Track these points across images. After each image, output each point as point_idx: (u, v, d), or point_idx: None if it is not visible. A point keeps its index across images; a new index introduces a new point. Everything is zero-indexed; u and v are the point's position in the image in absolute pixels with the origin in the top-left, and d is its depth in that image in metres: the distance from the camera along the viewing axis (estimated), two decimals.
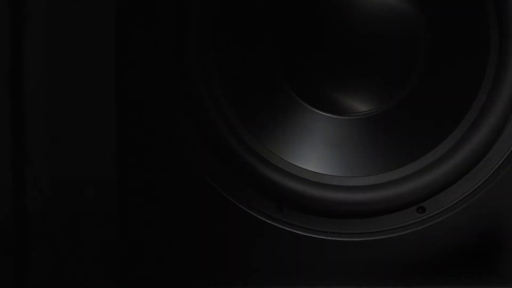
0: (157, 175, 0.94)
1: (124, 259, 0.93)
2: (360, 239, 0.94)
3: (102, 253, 0.89)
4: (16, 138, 0.84)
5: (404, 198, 0.94)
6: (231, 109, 0.95)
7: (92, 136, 0.88)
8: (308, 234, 0.94)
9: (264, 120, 0.97)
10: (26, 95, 0.84)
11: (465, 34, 0.94)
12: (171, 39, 0.93)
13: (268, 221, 0.94)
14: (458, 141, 0.94)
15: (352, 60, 0.96)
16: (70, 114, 0.87)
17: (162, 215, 0.94)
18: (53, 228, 0.86)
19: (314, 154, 0.96)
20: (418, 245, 0.94)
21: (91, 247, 0.88)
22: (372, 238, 0.94)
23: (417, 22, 0.95)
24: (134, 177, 0.93)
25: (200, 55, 0.94)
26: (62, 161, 0.87)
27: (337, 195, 0.94)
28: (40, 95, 0.85)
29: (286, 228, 0.94)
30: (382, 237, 0.94)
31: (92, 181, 0.88)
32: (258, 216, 0.94)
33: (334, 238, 0.94)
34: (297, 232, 0.94)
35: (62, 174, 0.87)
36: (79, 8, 0.87)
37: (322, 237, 0.94)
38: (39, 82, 0.85)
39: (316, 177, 0.95)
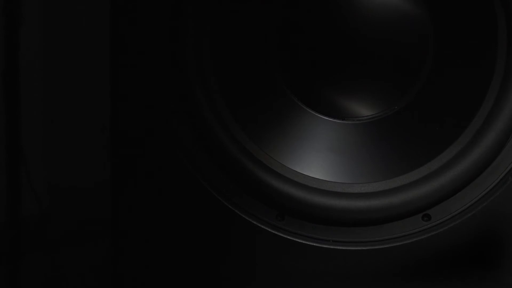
0: (155, 182, 0.93)
1: (121, 266, 0.92)
2: (363, 248, 0.93)
3: (97, 261, 0.88)
4: (12, 142, 0.85)
5: (409, 205, 0.93)
6: (230, 114, 0.94)
7: (87, 140, 0.87)
8: (310, 243, 0.93)
9: (264, 125, 0.96)
10: (22, 98, 0.85)
11: (472, 37, 0.93)
12: (167, 41, 0.92)
13: (269, 229, 0.93)
14: (465, 146, 0.93)
15: (355, 63, 0.95)
16: (65, 117, 0.88)
17: (159, 222, 0.93)
18: (48, 234, 0.87)
19: (316, 160, 0.95)
20: (423, 254, 0.93)
21: (86, 254, 0.89)
22: (375, 247, 0.93)
23: (423, 24, 0.94)
24: (130, 184, 0.92)
25: (198, 59, 0.93)
26: (57, 166, 0.87)
27: (339, 202, 0.93)
28: (36, 98, 0.86)
29: (287, 237, 0.93)
30: (386, 246, 0.93)
31: (87, 185, 0.87)
32: (259, 224, 0.93)
33: (336, 247, 0.93)
34: (298, 240, 0.93)
35: (57, 179, 0.88)
36: (74, 7, 0.86)
37: (324, 246, 0.93)
38: (35, 84, 0.86)
39: (318, 184, 0.94)
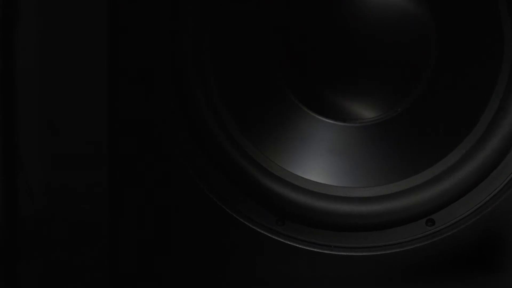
0: (154, 186, 0.92)
1: (119, 268, 0.92)
2: (366, 253, 0.92)
3: (94, 262, 0.88)
4: (9, 143, 0.84)
5: (412, 210, 0.92)
6: (230, 116, 0.93)
7: (84, 141, 0.88)
8: (310, 248, 0.92)
9: (265, 128, 0.95)
10: (19, 98, 0.85)
11: (476, 38, 0.92)
12: (166, 41, 0.91)
13: (269, 235, 0.92)
14: (470, 149, 0.92)
15: (357, 65, 0.94)
16: (62, 119, 0.87)
17: (157, 226, 0.93)
18: (45, 235, 0.87)
19: (317, 163, 0.94)
20: (427, 260, 0.92)
21: (83, 255, 0.88)
22: (378, 253, 0.92)
23: (426, 26, 0.93)
24: (129, 186, 0.92)
25: (198, 60, 0.92)
26: (54, 167, 0.87)
27: (341, 207, 0.92)
28: (33, 99, 0.86)
29: (288, 242, 0.92)
30: (389, 251, 0.92)
31: (85, 186, 0.88)
32: (259, 230, 0.92)
33: (338, 253, 0.92)
34: (299, 246, 0.92)
35: (54, 180, 0.87)
36: (71, 8, 0.86)
37: (325, 251, 0.92)
38: (31, 85, 0.85)
39: (319, 188, 0.93)
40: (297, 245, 0.92)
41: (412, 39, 0.93)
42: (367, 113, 0.95)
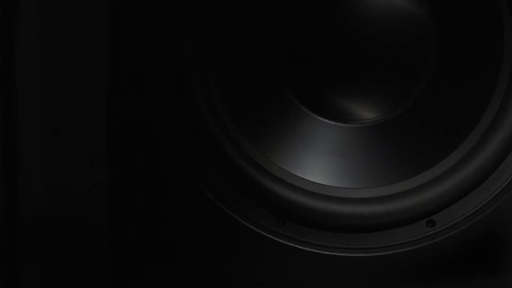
0: (153, 186, 0.92)
1: (118, 268, 0.92)
2: (366, 254, 0.91)
3: (94, 262, 0.89)
4: (9, 143, 0.85)
5: (412, 211, 0.91)
6: (229, 117, 0.93)
7: (84, 141, 0.88)
8: (310, 249, 0.92)
9: (265, 128, 0.94)
10: (18, 99, 0.85)
11: (476, 38, 0.92)
12: (166, 42, 0.91)
13: (269, 235, 0.92)
14: (470, 150, 0.92)
15: (358, 65, 0.94)
16: (62, 119, 0.87)
17: (157, 227, 0.92)
18: (45, 236, 0.87)
19: (318, 164, 0.94)
20: (428, 261, 0.91)
21: (83, 255, 0.88)
22: (378, 254, 0.91)
23: (426, 26, 0.93)
24: (129, 186, 0.92)
25: (198, 60, 0.92)
26: (54, 167, 0.87)
27: (341, 208, 0.92)
28: (33, 99, 0.86)
29: (288, 243, 0.92)
30: (389, 252, 0.91)
31: (85, 186, 0.88)
32: (259, 231, 0.92)
33: (338, 254, 0.92)
34: (299, 247, 0.92)
35: (54, 180, 0.87)
36: (71, 8, 0.87)
37: (325, 252, 0.92)
38: (31, 85, 0.86)
39: (319, 189, 0.93)
40: (297, 246, 0.91)
41: (412, 39, 0.93)
42: (367, 113, 0.95)
